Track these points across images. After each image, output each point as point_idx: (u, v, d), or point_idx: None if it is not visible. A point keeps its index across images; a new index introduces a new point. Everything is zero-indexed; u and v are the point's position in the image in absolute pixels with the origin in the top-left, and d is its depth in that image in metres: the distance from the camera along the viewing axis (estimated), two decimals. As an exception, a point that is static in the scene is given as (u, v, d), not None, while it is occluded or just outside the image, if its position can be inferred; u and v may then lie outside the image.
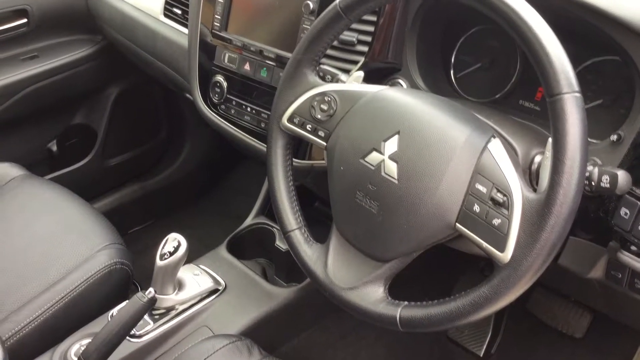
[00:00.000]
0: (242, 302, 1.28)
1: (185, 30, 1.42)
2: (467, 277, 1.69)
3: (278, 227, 1.44)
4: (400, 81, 1.06)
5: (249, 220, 1.53)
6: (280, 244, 1.43)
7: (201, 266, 1.33)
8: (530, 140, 0.84)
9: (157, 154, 2.25)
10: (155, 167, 2.24)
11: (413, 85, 1.05)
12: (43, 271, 1.26)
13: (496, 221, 0.71)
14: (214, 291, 1.28)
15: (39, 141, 1.95)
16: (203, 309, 1.24)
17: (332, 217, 1.48)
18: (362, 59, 1.06)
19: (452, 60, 1.10)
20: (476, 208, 0.73)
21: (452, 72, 1.10)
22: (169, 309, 1.22)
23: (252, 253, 1.50)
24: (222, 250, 1.42)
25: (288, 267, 1.45)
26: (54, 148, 1.97)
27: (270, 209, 1.53)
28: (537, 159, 0.82)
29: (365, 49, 1.06)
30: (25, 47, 1.81)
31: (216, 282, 1.29)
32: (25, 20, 1.76)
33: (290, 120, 0.92)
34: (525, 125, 0.90)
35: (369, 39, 1.06)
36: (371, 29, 1.05)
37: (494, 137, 0.77)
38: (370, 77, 0.98)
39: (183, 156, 2.25)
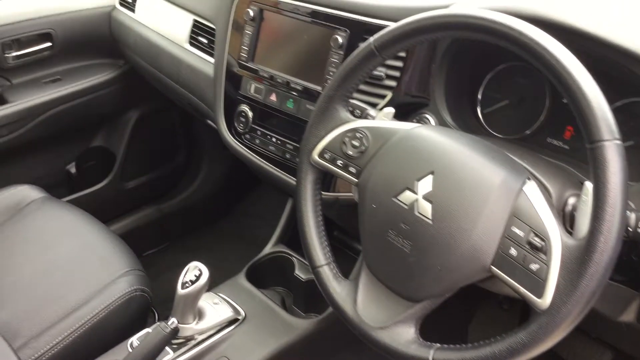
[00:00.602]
0: (261, 333, 1.26)
1: (211, 59, 1.44)
2: (485, 311, 1.67)
3: (297, 257, 1.46)
4: (428, 117, 1.06)
5: (268, 249, 1.52)
6: (300, 274, 1.42)
7: (220, 295, 1.32)
8: (563, 182, 0.83)
9: (174, 177, 2.26)
10: (171, 191, 2.24)
11: (441, 121, 1.05)
12: (63, 296, 1.26)
13: (534, 266, 0.70)
14: (233, 321, 1.27)
15: (58, 163, 1.96)
16: (222, 339, 1.23)
17: (352, 247, 1.51)
18: (389, 94, 1.07)
19: (479, 96, 1.10)
20: (513, 252, 0.72)
21: (479, 108, 1.10)
22: (188, 339, 1.21)
23: (271, 282, 1.49)
24: (241, 279, 1.41)
25: (307, 297, 1.44)
26: (73, 170, 1.98)
27: (291, 238, 1.55)
28: (571, 200, 0.81)
29: (393, 83, 1.07)
30: (48, 70, 1.84)
31: (236, 311, 1.28)
32: (49, 44, 1.79)
33: (320, 155, 0.92)
34: (556, 165, 0.90)
35: (397, 74, 1.06)
36: (400, 64, 1.05)
37: (529, 178, 0.77)
38: (397, 112, 0.98)
39: (199, 180, 2.26)
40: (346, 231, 1.39)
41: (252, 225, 2.25)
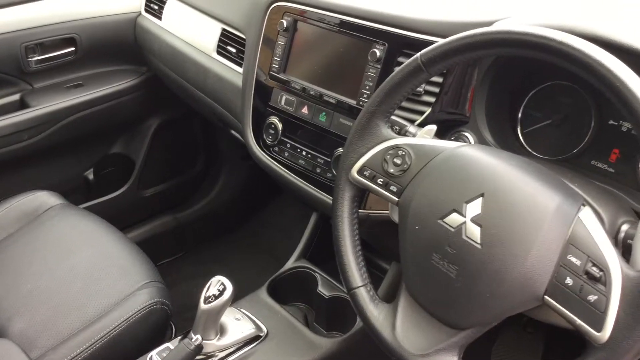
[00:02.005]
0: (284, 351, 1.23)
1: (239, 69, 1.41)
2: (508, 333, 1.63)
3: (320, 273, 1.43)
4: (467, 135, 1.03)
5: (290, 263, 1.49)
6: (323, 291, 1.39)
7: (242, 310, 1.29)
8: (615, 208, 0.80)
9: (192, 186, 2.24)
10: (189, 200, 2.22)
11: (480, 139, 1.02)
12: (81, 307, 1.23)
13: (592, 297, 0.67)
14: (255, 337, 1.24)
15: (76, 169, 1.94)
16: (244, 356, 1.20)
17: (379, 266, 1.47)
18: (428, 110, 1.04)
19: (520, 115, 1.07)
20: (568, 281, 0.69)
21: (519, 127, 1.07)
22: (209, 355, 1.17)
23: (292, 297, 1.46)
24: (263, 294, 1.38)
25: (329, 315, 1.41)
26: (91, 177, 1.96)
27: (313, 253, 1.52)
28: (624, 227, 0.77)
29: (431, 99, 1.04)
30: (70, 75, 1.83)
31: (258, 328, 1.25)
32: (73, 48, 1.77)
33: (360, 172, 0.89)
34: (606, 190, 0.86)
35: (436, 89, 1.03)
36: (439, 79, 1.02)
37: (584, 205, 0.74)
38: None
39: (217, 189, 2.24)
40: (373, 249, 1.35)
41: (269, 237, 2.23)
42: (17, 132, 1.68)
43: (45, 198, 1.52)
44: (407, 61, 0.84)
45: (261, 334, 1.24)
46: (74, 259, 1.35)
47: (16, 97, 1.74)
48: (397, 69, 0.86)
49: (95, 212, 1.53)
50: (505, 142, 1.04)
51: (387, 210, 1.02)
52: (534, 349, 1.57)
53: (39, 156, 1.79)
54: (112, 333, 1.18)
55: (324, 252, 1.52)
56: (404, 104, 1.06)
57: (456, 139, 1.04)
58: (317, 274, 1.43)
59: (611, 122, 0.97)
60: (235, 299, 1.33)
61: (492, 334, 1.62)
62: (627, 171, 0.95)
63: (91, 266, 1.33)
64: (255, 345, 1.22)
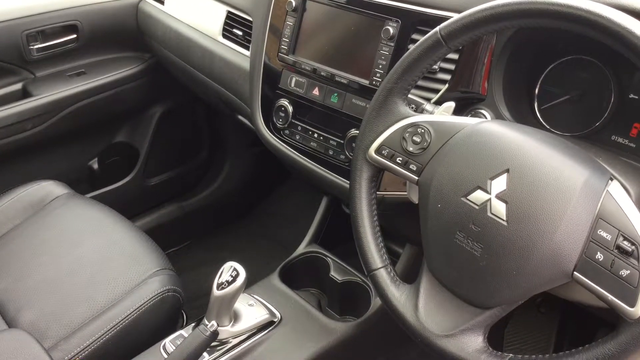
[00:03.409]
0: (299, 336, 1.22)
1: (246, 52, 1.39)
2: (522, 314, 1.62)
3: (332, 257, 1.41)
4: (484, 112, 1.01)
5: (301, 249, 1.47)
6: (336, 275, 1.37)
7: (255, 296, 1.28)
8: (640, 181, 0.78)
9: (197, 174, 2.22)
10: (194, 188, 2.20)
11: (498, 115, 1.00)
12: (92, 296, 1.22)
13: (624, 272, 0.65)
14: (269, 323, 1.22)
15: (81, 158, 1.92)
16: (258, 342, 1.19)
17: (392, 250, 1.45)
18: (443, 88, 1.01)
19: (537, 91, 1.05)
20: (599, 256, 0.67)
21: (536, 103, 1.05)
22: (223, 342, 1.16)
23: (304, 283, 1.45)
24: (275, 279, 1.37)
25: (342, 299, 1.40)
26: (95, 166, 1.94)
27: (323, 237, 1.50)
28: None
29: (447, 77, 1.02)
30: (73, 63, 1.80)
31: (272, 313, 1.24)
32: (74, 35, 1.75)
33: (378, 151, 0.87)
34: (631, 165, 0.84)
35: (452, 67, 1.01)
36: (455, 56, 1.00)
37: (612, 179, 0.72)
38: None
39: (222, 177, 2.22)
40: (385, 232, 1.33)
41: (276, 224, 2.21)
42: (20, 122, 1.65)
43: (51, 188, 1.50)
44: (425, 36, 0.82)
45: (275, 320, 1.23)
46: (83, 248, 1.33)
47: (18, 86, 1.71)
48: (414, 44, 0.84)
49: (101, 201, 1.51)
50: (523, 118, 1.02)
51: (403, 192, 1.00)
52: (548, 330, 1.56)
53: (43, 146, 1.76)
54: (124, 321, 1.17)
55: (335, 237, 1.51)
56: (420, 82, 1.04)
57: (474, 117, 1.02)
58: (329, 259, 1.41)
59: (632, 96, 0.95)
60: (247, 286, 1.32)
61: (505, 315, 1.62)
62: (650, 145, 0.93)
63: (100, 255, 1.31)
64: (269, 331, 1.21)
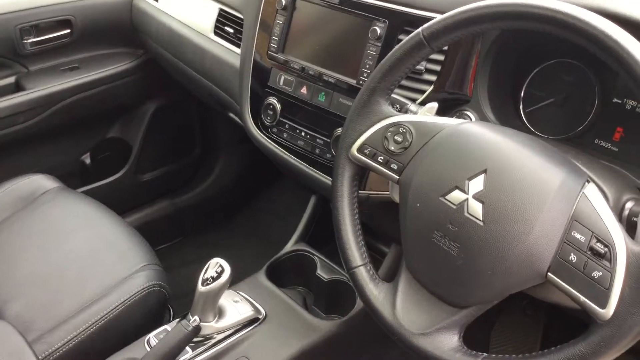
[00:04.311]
0: (283, 333, 1.22)
1: (236, 50, 1.39)
2: (508, 316, 1.63)
3: (319, 256, 1.42)
4: (469, 113, 1.01)
5: (289, 247, 1.48)
6: (322, 274, 1.38)
7: (240, 293, 1.28)
8: (619, 185, 0.79)
9: (190, 171, 2.22)
10: (186, 184, 2.21)
11: (482, 117, 1.00)
12: (78, 290, 1.22)
13: (596, 274, 0.66)
14: (253, 320, 1.23)
15: (73, 153, 1.93)
16: (243, 338, 1.19)
17: (377, 249, 1.46)
18: (429, 88, 1.02)
19: (522, 94, 1.05)
20: (572, 258, 0.68)
21: (521, 106, 1.05)
22: (207, 337, 1.17)
23: (291, 281, 1.45)
24: (262, 277, 1.37)
25: (328, 298, 1.40)
26: (88, 161, 1.94)
27: (312, 236, 1.51)
28: (629, 205, 0.76)
29: (432, 78, 1.02)
30: (66, 58, 1.80)
31: (256, 310, 1.25)
32: (68, 30, 1.75)
33: (360, 150, 0.87)
34: (610, 168, 0.85)
35: (437, 68, 1.02)
36: (441, 57, 1.01)
37: (588, 181, 0.73)
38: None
39: (215, 174, 2.22)
40: (372, 232, 1.34)
41: (267, 222, 2.22)
42: (12, 115, 1.66)
43: (41, 181, 1.51)
44: (408, 36, 0.83)
45: (260, 317, 1.24)
46: (71, 242, 1.34)
47: (11, 79, 1.72)
48: (399, 44, 0.84)
49: (92, 196, 1.52)
50: (508, 121, 1.02)
51: (387, 192, 1.00)
52: (534, 331, 1.57)
53: (35, 139, 1.77)
54: (109, 315, 1.17)
55: (323, 235, 1.51)
56: (406, 82, 1.04)
57: (459, 118, 1.02)
58: (316, 257, 1.42)
59: (615, 100, 0.95)
60: (233, 283, 1.33)
61: (491, 317, 1.62)
62: (632, 150, 0.94)
63: (88, 249, 1.32)
64: (253, 328, 1.21)
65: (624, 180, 0.82)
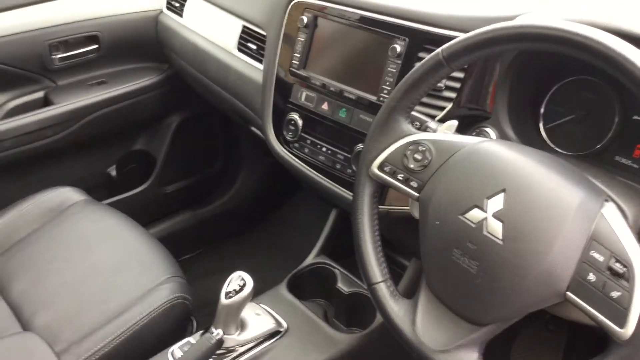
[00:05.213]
0: (304, 346, 1.23)
1: (259, 66, 1.42)
2: (530, 330, 1.62)
3: (340, 269, 1.43)
4: (489, 130, 1.02)
5: (309, 259, 1.49)
6: (342, 286, 1.39)
7: (262, 305, 1.30)
8: (639, 203, 0.79)
9: (212, 183, 2.25)
10: (209, 196, 2.23)
11: (502, 134, 1.01)
12: (104, 301, 1.25)
13: (615, 293, 0.66)
14: (275, 333, 1.24)
15: (99, 166, 1.97)
16: (264, 351, 1.21)
17: (398, 262, 1.47)
18: (449, 105, 1.03)
19: (542, 110, 1.06)
20: (591, 277, 0.68)
21: (541, 123, 1.06)
22: (229, 350, 1.18)
23: (312, 293, 1.46)
24: (283, 289, 1.38)
25: (349, 311, 1.41)
26: (113, 173, 1.98)
27: (333, 249, 1.52)
28: None
29: (452, 95, 1.03)
30: (93, 73, 1.85)
31: (278, 323, 1.26)
32: (96, 46, 1.79)
33: (380, 168, 0.89)
34: (630, 186, 0.85)
35: (457, 85, 1.02)
36: (461, 75, 1.02)
37: (607, 200, 0.73)
38: (455, 125, 0.94)
39: (236, 187, 2.25)
40: (392, 246, 1.35)
41: (288, 235, 2.23)
42: (40, 129, 1.70)
43: (68, 194, 1.54)
44: (428, 56, 0.84)
45: (281, 329, 1.25)
46: (97, 254, 1.37)
47: (40, 94, 1.76)
48: (418, 64, 0.86)
49: (117, 208, 1.55)
50: (528, 137, 1.03)
51: (408, 207, 1.01)
52: (556, 347, 1.56)
53: (62, 153, 1.81)
54: (134, 327, 1.19)
55: (344, 248, 1.52)
56: (426, 99, 1.05)
57: (477, 135, 1.03)
58: (336, 270, 1.43)
59: (635, 117, 0.95)
60: (255, 295, 1.34)
61: (513, 331, 1.61)
62: (652, 167, 0.94)
63: (113, 261, 1.35)
64: (275, 340, 1.23)
65: (643, 198, 0.82)
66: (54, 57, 1.73)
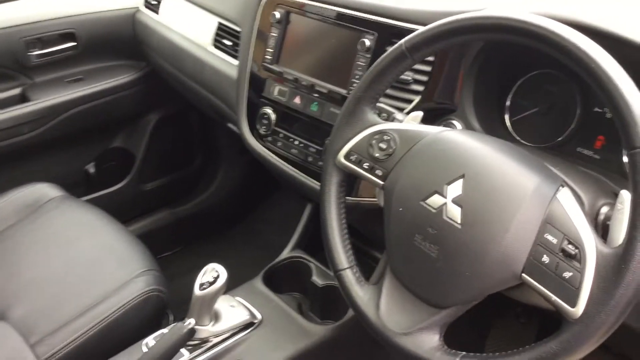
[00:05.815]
0: (278, 338, 1.25)
1: (234, 62, 1.43)
2: (502, 324, 1.65)
3: (315, 262, 1.44)
4: (455, 122, 1.04)
5: (285, 254, 1.50)
6: (317, 279, 1.40)
7: (237, 297, 1.31)
8: (595, 191, 0.82)
9: (191, 181, 2.26)
10: (187, 194, 2.24)
11: (468, 126, 1.03)
12: (79, 294, 1.25)
13: (567, 274, 0.68)
14: (249, 324, 1.25)
15: (77, 163, 1.96)
16: (238, 342, 1.22)
17: (369, 253, 1.49)
18: (417, 98, 1.05)
19: (508, 103, 1.08)
20: (545, 259, 0.70)
21: (507, 115, 1.08)
22: (203, 341, 1.19)
23: (287, 287, 1.48)
24: (258, 283, 1.40)
25: (323, 303, 1.42)
26: (92, 170, 1.98)
27: (308, 243, 1.53)
28: (604, 210, 0.79)
29: (420, 88, 1.05)
30: (70, 70, 1.85)
31: (252, 315, 1.27)
32: (73, 43, 1.80)
33: (346, 157, 0.91)
34: (588, 174, 0.88)
35: (425, 78, 1.05)
36: (428, 68, 1.04)
37: (563, 186, 0.75)
38: (423, 117, 0.96)
39: (215, 184, 2.25)
40: (363, 237, 1.37)
41: (267, 231, 2.24)
42: (17, 126, 1.70)
43: (45, 190, 1.54)
44: (391, 48, 0.86)
45: (255, 321, 1.26)
46: (73, 248, 1.37)
47: (17, 91, 1.77)
48: (382, 56, 0.88)
49: (95, 205, 1.55)
50: (493, 130, 1.05)
51: (376, 198, 1.03)
52: (527, 338, 1.59)
53: (39, 149, 1.81)
54: (108, 319, 1.20)
55: (319, 242, 1.54)
56: (394, 92, 1.08)
57: (445, 127, 1.06)
58: (311, 264, 1.44)
59: (596, 109, 0.98)
60: (230, 288, 1.36)
61: (486, 324, 1.64)
62: (612, 157, 0.96)
63: (90, 256, 1.35)
64: (249, 332, 1.24)
65: (600, 186, 0.84)
66: (30, 54, 1.73)
